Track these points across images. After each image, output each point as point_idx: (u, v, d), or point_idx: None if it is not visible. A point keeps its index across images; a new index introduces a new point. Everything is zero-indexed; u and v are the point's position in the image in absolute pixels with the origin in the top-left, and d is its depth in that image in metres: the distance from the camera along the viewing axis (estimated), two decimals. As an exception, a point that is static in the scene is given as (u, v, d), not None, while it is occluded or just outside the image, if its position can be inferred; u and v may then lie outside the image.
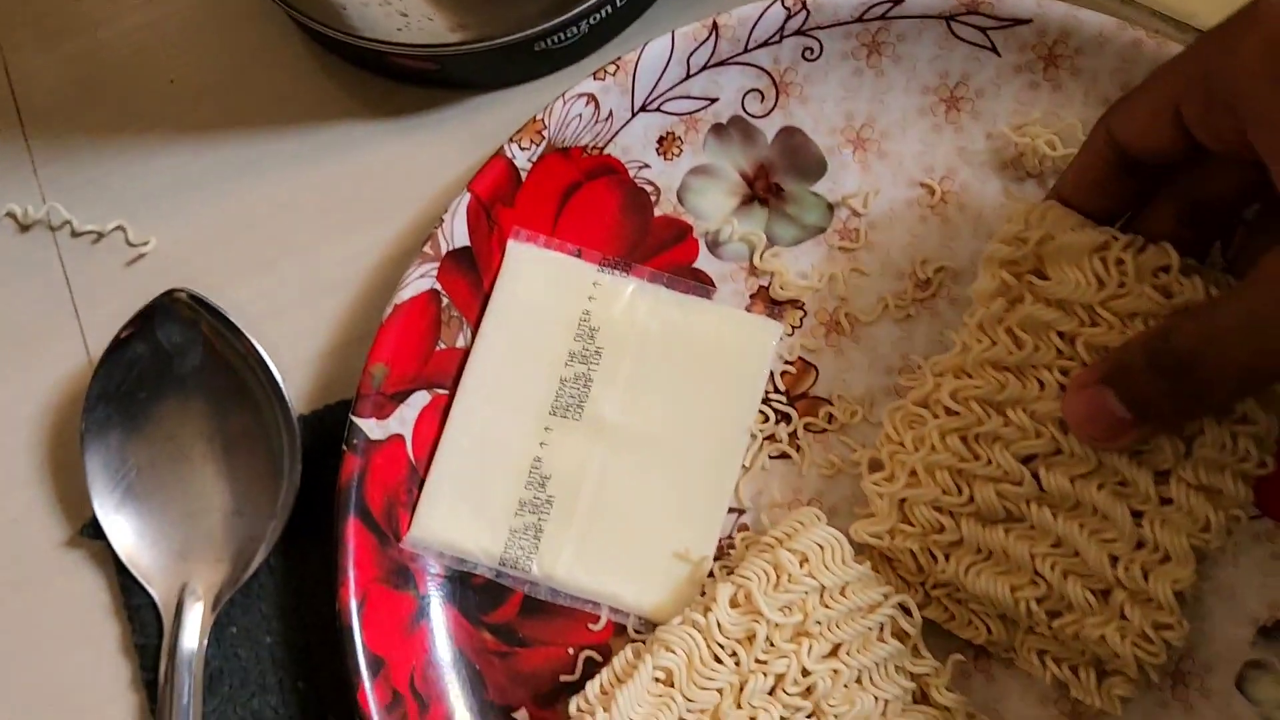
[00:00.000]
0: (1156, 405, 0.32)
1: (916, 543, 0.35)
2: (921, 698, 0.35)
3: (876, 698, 0.34)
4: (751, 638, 0.35)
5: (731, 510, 0.38)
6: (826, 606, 0.35)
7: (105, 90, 0.45)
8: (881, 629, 0.35)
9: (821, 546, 0.35)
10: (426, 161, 0.43)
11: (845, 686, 0.34)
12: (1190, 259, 0.34)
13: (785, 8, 0.39)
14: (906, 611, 0.36)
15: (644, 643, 0.37)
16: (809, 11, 0.39)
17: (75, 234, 0.44)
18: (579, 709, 0.35)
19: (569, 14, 0.40)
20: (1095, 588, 0.34)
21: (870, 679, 0.35)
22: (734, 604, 0.35)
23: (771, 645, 0.34)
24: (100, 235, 0.44)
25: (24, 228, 0.44)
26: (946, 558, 0.35)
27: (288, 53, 0.45)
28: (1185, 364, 0.31)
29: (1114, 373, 0.32)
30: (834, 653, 0.35)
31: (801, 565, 0.35)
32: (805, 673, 0.34)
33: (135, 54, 0.45)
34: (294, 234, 0.43)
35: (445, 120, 0.44)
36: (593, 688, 0.35)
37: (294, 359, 0.42)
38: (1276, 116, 0.29)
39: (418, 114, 0.44)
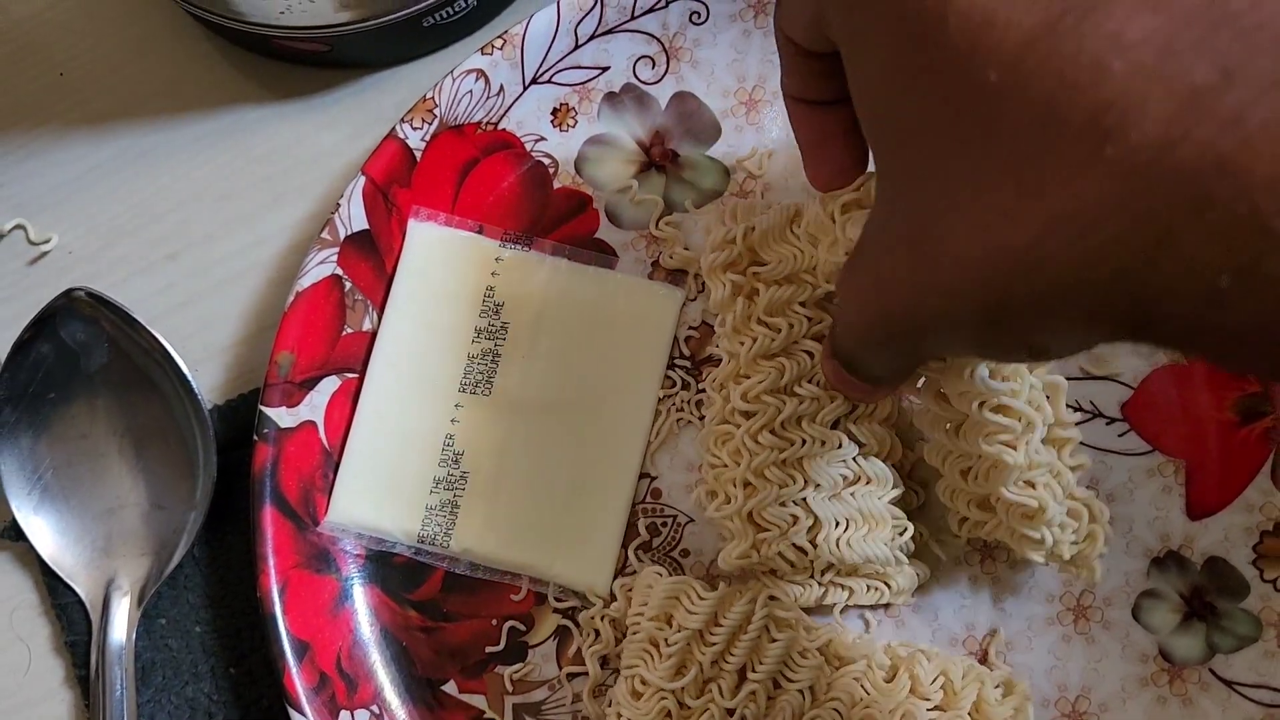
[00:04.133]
0: (871, 374, 0.32)
1: (781, 543, 0.36)
2: (840, 662, 0.36)
3: (801, 691, 0.35)
4: (668, 715, 0.35)
5: (643, 476, 0.39)
6: (709, 644, 0.35)
7: (-6, 86, 0.44)
8: (767, 630, 0.36)
9: (675, 597, 0.36)
10: (323, 143, 0.43)
11: (769, 698, 0.35)
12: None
13: (669, -27, 0.39)
14: (778, 600, 0.36)
15: (566, 614, 0.38)
16: (693, -24, 0.39)
17: (-26, 235, 0.43)
18: None
19: (454, -11, 0.40)
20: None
21: (785, 678, 0.35)
22: (635, 694, 0.35)
23: (685, 707, 0.35)
24: (0, 235, 0.43)
25: (-78, 232, 0.43)
26: (815, 545, 0.36)
27: (178, 39, 0.44)
28: (838, 346, 0.32)
29: (831, 350, 0.33)
30: (742, 678, 0.36)
31: (669, 624, 0.36)
32: (730, 712, 0.35)
33: (22, 48, 0.44)
34: (196, 223, 0.43)
35: (340, 100, 0.44)
36: None
37: (204, 350, 0.42)
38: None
39: (311, 95, 0.44)
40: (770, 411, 0.36)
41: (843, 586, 0.37)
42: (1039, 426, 0.34)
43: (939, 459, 0.36)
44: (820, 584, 0.37)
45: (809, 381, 0.36)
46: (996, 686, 0.36)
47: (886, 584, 0.37)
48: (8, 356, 0.39)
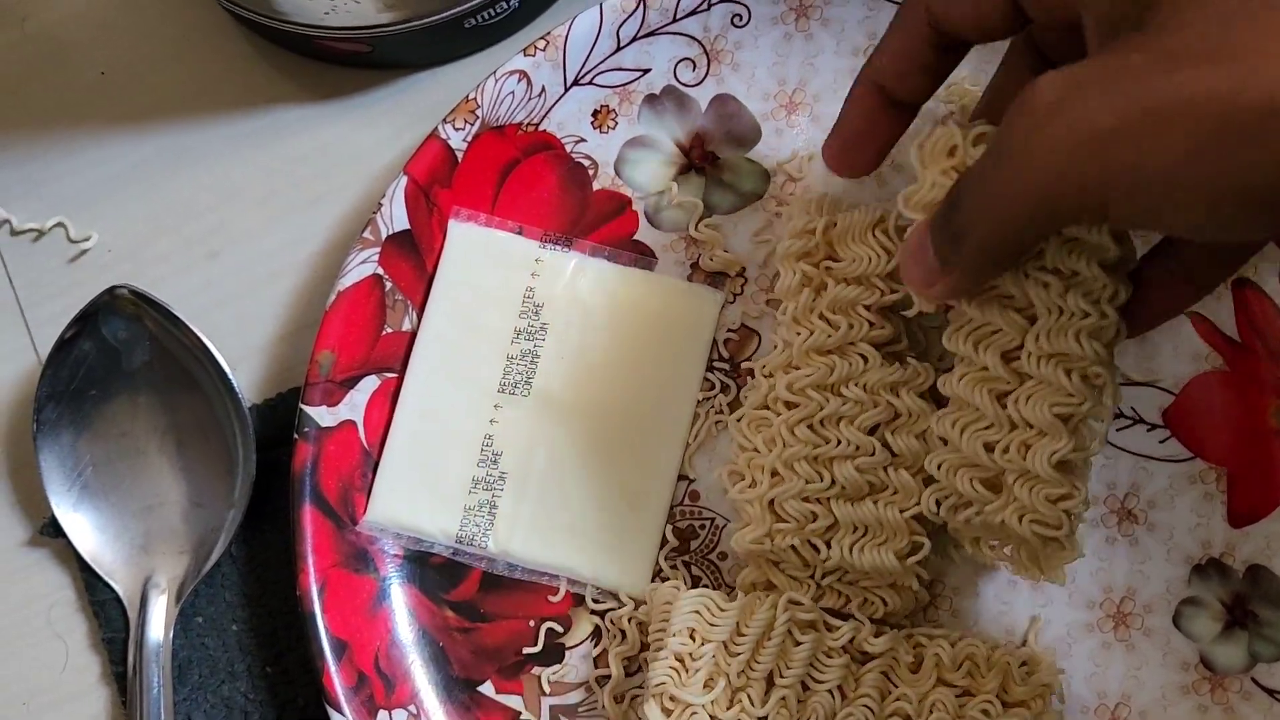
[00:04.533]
0: (946, 254, 0.31)
1: (796, 537, 0.36)
2: (862, 657, 0.36)
3: (830, 691, 0.35)
4: None
5: (681, 477, 0.39)
6: (734, 654, 0.35)
7: (35, 84, 0.44)
8: (790, 634, 0.36)
9: (697, 611, 0.36)
10: (364, 143, 0.43)
11: (799, 701, 0.35)
12: None
13: (711, -25, 0.39)
14: (799, 603, 0.36)
15: (604, 616, 0.38)
16: (736, -22, 0.39)
17: (15, 232, 0.44)
18: None
19: (497, -10, 0.40)
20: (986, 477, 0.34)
21: (813, 680, 0.35)
22: (666, 712, 0.35)
23: None
24: (40, 233, 0.43)
25: (-38, 229, 0.44)
26: (828, 545, 0.36)
27: (218, 39, 0.44)
28: (952, 213, 0.31)
29: (932, 219, 0.32)
30: (770, 684, 0.35)
31: (693, 638, 0.36)
32: None
33: (64, 47, 0.45)
34: (236, 221, 0.43)
35: (380, 100, 0.44)
36: None
37: (243, 348, 0.42)
38: None
39: (352, 95, 0.44)
40: (812, 406, 0.36)
41: (840, 593, 0.37)
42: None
43: (955, 427, 0.34)
44: (819, 586, 0.37)
45: (855, 384, 0.36)
46: (1022, 664, 0.36)
47: (883, 599, 0.37)
48: (50, 354, 0.39)
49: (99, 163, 0.44)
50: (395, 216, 0.39)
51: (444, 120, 0.39)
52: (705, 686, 0.35)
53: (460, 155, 0.40)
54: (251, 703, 0.39)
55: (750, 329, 0.40)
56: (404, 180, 0.39)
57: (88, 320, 0.39)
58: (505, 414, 0.39)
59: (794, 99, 0.41)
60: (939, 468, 0.35)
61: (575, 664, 0.38)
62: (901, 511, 0.36)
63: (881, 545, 0.36)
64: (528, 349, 0.40)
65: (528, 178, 0.41)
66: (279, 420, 0.40)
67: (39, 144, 0.44)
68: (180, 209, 0.43)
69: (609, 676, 0.38)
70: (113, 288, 0.39)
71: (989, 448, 0.33)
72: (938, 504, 0.35)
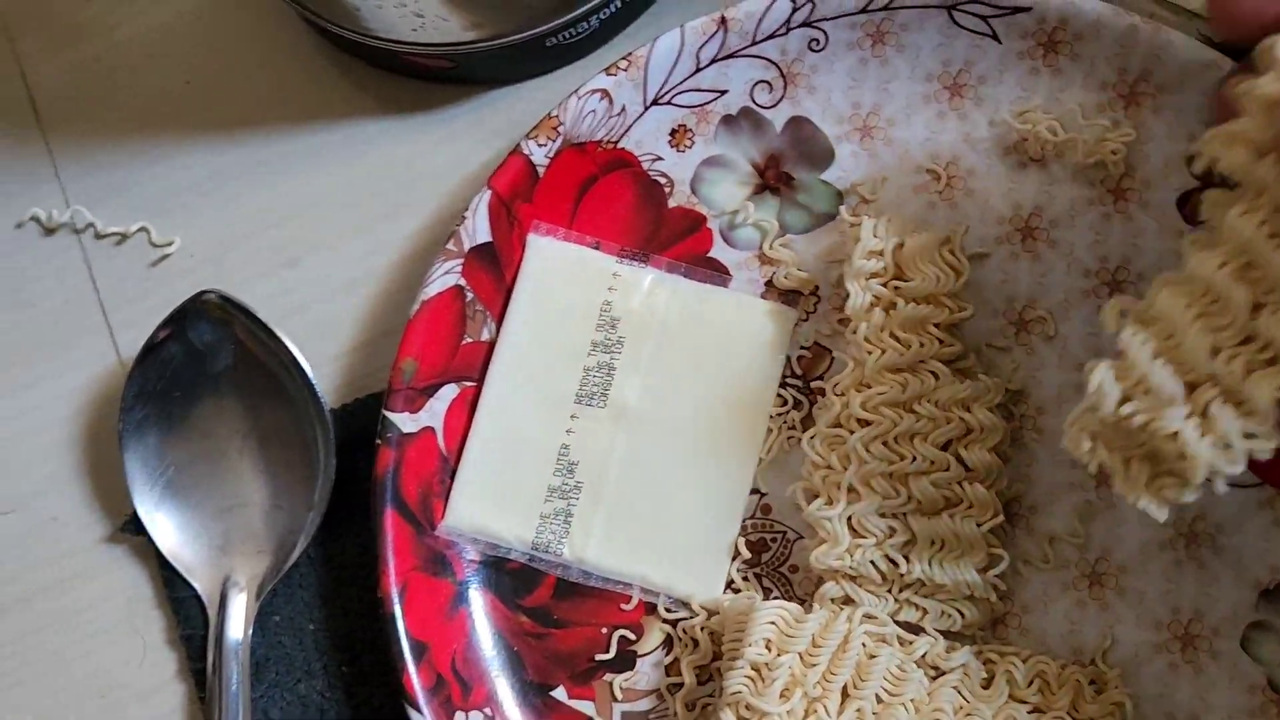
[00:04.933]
0: None
1: (875, 553, 0.37)
2: (936, 672, 0.37)
3: (904, 705, 0.36)
4: None
5: (753, 491, 0.40)
6: (811, 665, 0.36)
7: (123, 93, 0.46)
8: (864, 648, 0.36)
9: (774, 622, 0.36)
10: (441, 158, 0.44)
11: (874, 715, 0.36)
12: None
13: (791, 1, 0.40)
14: (874, 618, 0.37)
15: (676, 625, 0.39)
16: (814, 4, 0.40)
17: (99, 236, 0.45)
18: None
19: (580, 9, 0.41)
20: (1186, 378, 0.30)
21: (887, 693, 0.36)
22: None
23: None
24: (124, 237, 0.45)
25: (49, 231, 0.45)
26: (907, 559, 0.37)
27: (301, 52, 0.45)
28: None
29: None
30: (845, 697, 0.36)
31: (769, 649, 0.36)
32: None
33: (151, 56, 0.46)
34: (314, 231, 0.44)
35: (458, 116, 0.45)
36: None
37: (319, 355, 0.43)
38: None
39: (431, 110, 0.45)
40: (886, 424, 0.37)
41: (917, 606, 0.38)
42: None
43: (1188, 310, 0.30)
44: (896, 600, 0.38)
45: (928, 401, 0.37)
46: (1091, 683, 0.36)
47: (961, 612, 0.38)
48: (139, 356, 0.40)
49: (182, 170, 0.45)
50: (478, 229, 0.40)
51: (527, 136, 0.40)
52: (781, 697, 0.35)
53: (541, 171, 0.40)
54: (327, 701, 0.40)
55: (823, 347, 0.41)
56: (487, 194, 0.40)
57: (176, 323, 0.40)
58: (581, 424, 0.40)
59: (868, 123, 0.42)
60: (1140, 341, 0.30)
61: (646, 671, 0.39)
62: (978, 525, 0.36)
63: (959, 559, 0.36)
64: (604, 361, 0.40)
65: (605, 194, 0.42)
66: (354, 426, 0.41)
67: (125, 150, 0.45)
68: (261, 217, 0.44)
69: (680, 684, 0.39)
70: (201, 292, 0.40)
71: (1214, 352, 0.29)
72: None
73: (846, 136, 0.42)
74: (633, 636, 0.39)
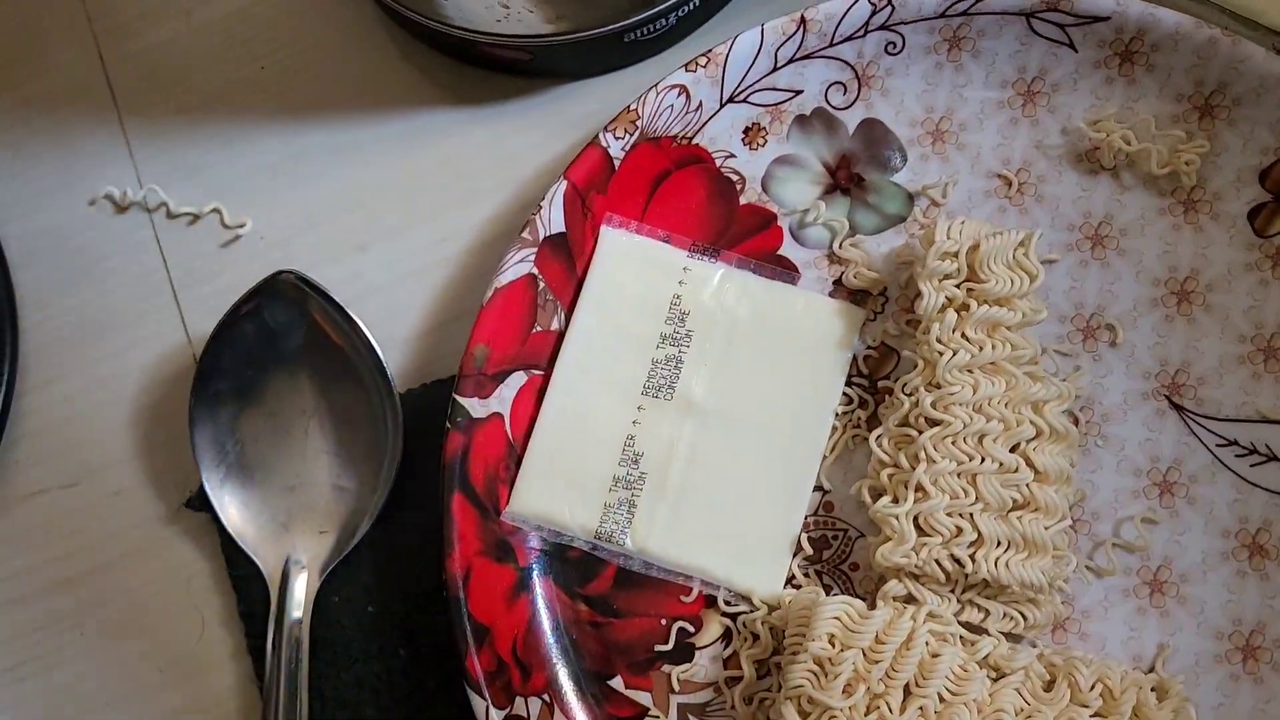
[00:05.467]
0: None
1: (941, 552, 0.37)
2: (998, 674, 0.37)
3: (966, 705, 0.36)
4: None
5: (816, 488, 0.40)
6: (875, 662, 0.36)
7: (198, 75, 0.46)
8: (927, 646, 0.36)
9: (838, 618, 0.37)
10: (513, 148, 0.45)
11: (936, 714, 0.36)
12: None
13: (871, 3, 0.40)
14: (938, 616, 0.37)
15: (735, 619, 0.39)
16: (894, 7, 0.40)
17: (171, 216, 0.45)
18: None
19: (662, 5, 0.41)
20: None
21: (949, 692, 0.36)
22: (803, 714, 0.36)
23: None
24: (196, 217, 0.45)
25: (121, 209, 0.45)
26: (973, 559, 0.37)
27: (376, 40, 0.46)
28: None
29: None
30: (907, 695, 0.36)
31: (832, 644, 0.36)
32: None
33: (227, 40, 0.46)
34: (384, 217, 0.45)
35: (530, 108, 0.45)
36: None
37: (386, 340, 0.43)
38: None
39: (504, 101, 0.45)
40: (957, 424, 0.37)
41: (980, 608, 0.38)
42: None
43: None
44: (959, 601, 0.38)
45: (999, 403, 0.37)
46: (1153, 689, 0.36)
47: (1023, 614, 0.38)
48: (213, 333, 0.41)
49: (255, 153, 0.45)
50: (553, 219, 0.40)
51: (605, 128, 0.40)
52: (844, 692, 0.36)
53: (617, 163, 0.41)
54: (383, 683, 0.40)
55: (890, 347, 0.41)
56: (563, 184, 0.40)
57: (250, 302, 0.41)
58: (648, 415, 0.40)
59: (940, 127, 0.42)
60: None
61: (704, 664, 0.39)
62: (1046, 528, 0.36)
63: (1026, 560, 0.36)
64: (672, 354, 0.41)
65: (678, 189, 0.42)
66: (420, 411, 0.42)
67: (199, 132, 0.46)
68: (332, 202, 0.45)
69: (739, 678, 0.39)
70: (278, 272, 0.41)
71: None
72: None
73: (918, 140, 0.42)
74: (692, 629, 0.39)
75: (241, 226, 0.45)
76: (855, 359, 0.41)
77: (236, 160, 0.45)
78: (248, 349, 0.41)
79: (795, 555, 0.40)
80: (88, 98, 0.46)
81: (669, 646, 0.39)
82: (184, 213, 0.45)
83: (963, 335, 0.38)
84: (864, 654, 0.36)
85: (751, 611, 0.39)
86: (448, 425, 0.39)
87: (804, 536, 0.40)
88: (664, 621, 0.39)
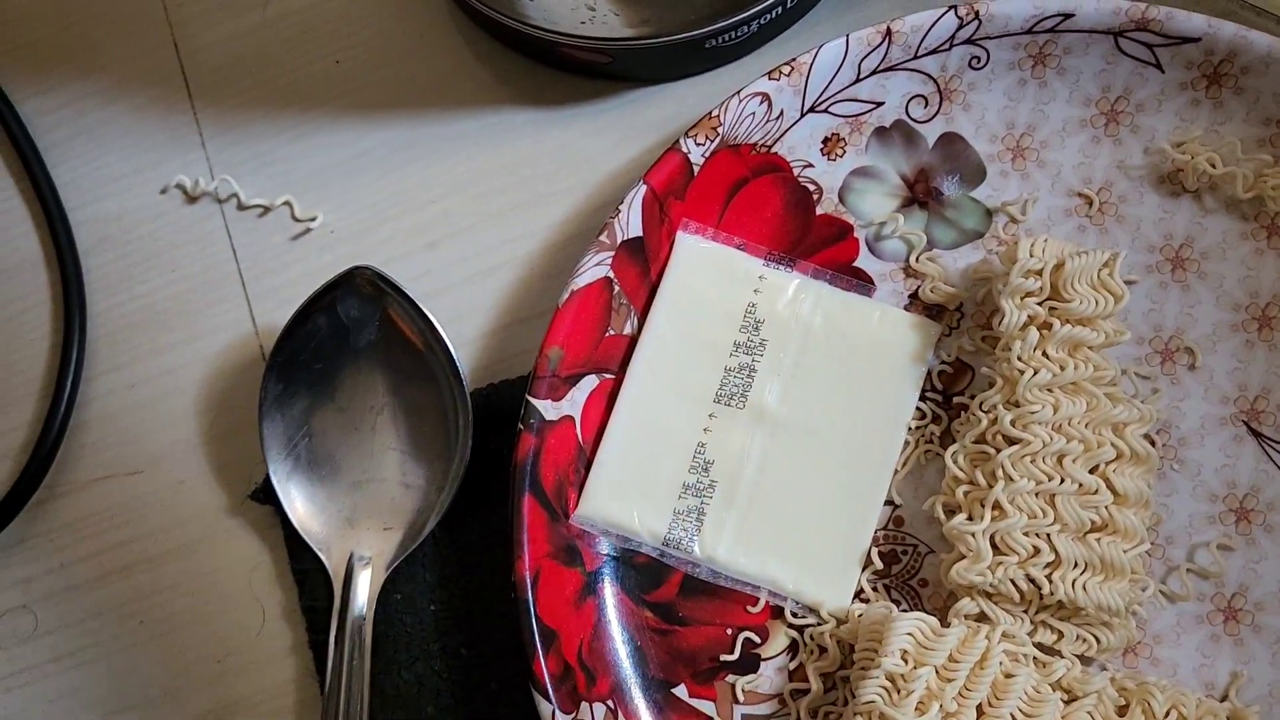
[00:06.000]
0: None
1: (1017, 572, 0.37)
2: (1070, 696, 0.37)
3: None
4: None
5: (886, 503, 0.40)
6: (948, 680, 0.36)
7: (273, 68, 0.46)
8: (1001, 667, 0.36)
9: (911, 634, 0.36)
10: (587, 151, 0.44)
11: None
12: None
13: (958, 17, 0.40)
14: (1013, 636, 0.37)
15: (801, 631, 0.39)
16: (980, 21, 0.40)
17: (242, 207, 0.45)
18: None
19: (746, 12, 0.41)
20: None
21: (1022, 713, 0.36)
22: None
23: None
24: (267, 209, 0.45)
25: (192, 199, 0.45)
26: (1049, 580, 0.37)
27: (452, 38, 0.46)
28: None
29: None
30: (980, 715, 0.36)
31: (905, 660, 0.36)
32: None
33: (302, 33, 0.46)
34: (455, 216, 0.45)
35: (604, 111, 0.45)
36: None
37: (455, 339, 0.43)
38: None
39: (579, 104, 0.45)
40: (1037, 444, 0.37)
41: (1053, 629, 0.38)
42: None
43: None
44: (1032, 621, 0.38)
45: (1080, 423, 0.37)
46: (1227, 718, 0.36)
47: (1097, 638, 0.38)
48: (287, 325, 0.41)
49: (328, 148, 0.45)
50: (630, 222, 0.40)
51: (685, 134, 0.40)
52: (917, 710, 0.35)
53: (697, 169, 0.41)
54: (444, 682, 0.40)
55: (965, 363, 0.41)
56: (643, 189, 0.40)
57: (326, 295, 0.40)
58: (719, 423, 0.40)
59: (1021, 143, 0.42)
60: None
61: (769, 675, 0.39)
62: (1125, 551, 0.36)
63: (1104, 583, 0.36)
64: (745, 362, 0.40)
65: (755, 197, 0.42)
66: (488, 411, 0.41)
67: (272, 125, 0.46)
68: (403, 198, 0.45)
69: (804, 691, 0.38)
70: (355, 267, 0.40)
71: None
72: None
73: (998, 156, 0.42)
74: (757, 639, 0.39)
75: (312, 220, 0.45)
76: (929, 374, 0.41)
77: (309, 154, 0.45)
78: (320, 342, 0.41)
79: (865, 568, 0.39)
80: (162, 86, 0.46)
81: (734, 656, 0.39)
82: (255, 204, 0.45)
83: (1044, 354, 0.38)
84: (937, 672, 0.36)
85: (819, 624, 0.39)
86: (519, 426, 0.39)
87: (874, 550, 0.39)
88: (729, 631, 0.39)
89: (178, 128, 0.46)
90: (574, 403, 0.40)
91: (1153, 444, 0.39)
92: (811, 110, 0.41)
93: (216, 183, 0.45)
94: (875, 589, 0.39)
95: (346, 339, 0.41)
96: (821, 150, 0.42)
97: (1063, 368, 0.38)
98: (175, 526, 0.43)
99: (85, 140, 0.46)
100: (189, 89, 0.46)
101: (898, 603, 0.39)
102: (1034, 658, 0.36)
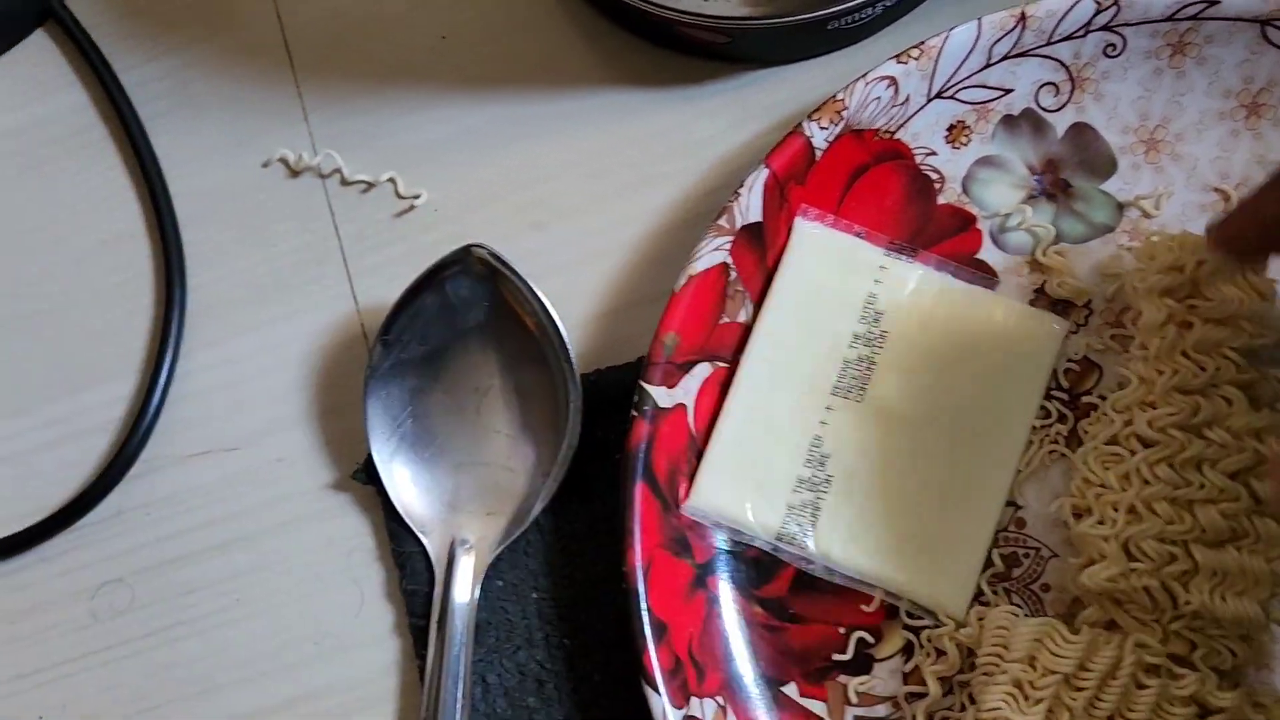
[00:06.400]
0: None
1: (1152, 579, 0.36)
2: (1203, 710, 0.35)
3: None
4: None
5: (1009, 503, 0.39)
6: (1078, 689, 0.35)
7: (378, 43, 0.45)
8: (1133, 677, 0.35)
9: (1039, 639, 0.35)
10: (700, 133, 0.43)
11: None
12: None
13: (1096, 2, 0.39)
14: (1147, 646, 0.36)
15: (916, 633, 0.38)
16: (1119, 7, 0.39)
17: (345, 182, 0.44)
18: None
19: (873, -6, 0.40)
20: None
21: None
22: None
23: None
24: (370, 185, 0.44)
25: (294, 173, 0.45)
26: (1185, 589, 0.35)
27: (561, 15, 0.45)
28: None
29: None
30: None
31: (1033, 666, 0.35)
32: None
33: (409, 8, 0.45)
34: (563, 196, 0.44)
35: (718, 93, 0.44)
36: None
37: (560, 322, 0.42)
38: None
39: (692, 85, 0.44)
40: (1174, 446, 0.36)
41: (1186, 640, 0.36)
42: None
43: None
44: (1164, 630, 0.36)
45: (1219, 427, 0.36)
46: None
47: (1232, 650, 0.36)
48: (397, 303, 0.40)
49: (434, 124, 0.45)
50: (750, 207, 0.39)
51: (809, 117, 0.39)
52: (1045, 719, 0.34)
53: (819, 154, 0.39)
54: (547, 672, 0.39)
55: (1093, 362, 0.39)
56: (764, 172, 0.39)
57: (437, 274, 0.40)
58: (836, 416, 0.39)
59: (1155, 135, 0.40)
60: None
61: (883, 677, 0.38)
62: (1267, 561, 0.35)
63: (1242, 594, 0.35)
64: (865, 354, 0.39)
65: (876, 184, 0.40)
66: (596, 396, 0.40)
67: (378, 100, 0.45)
68: (509, 177, 0.44)
69: (921, 694, 0.37)
70: (469, 245, 0.40)
71: None
72: None
73: (1130, 148, 0.40)
74: (871, 639, 0.38)
75: (416, 198, 0.44)
76: (1055, 372, 0.39)
77: (413, 130, 0.45)
78: (428, 322, 0.40)
79: (985, 570, 0.38)
80: (265, 59, 0.45)
81: (847, 656, 0.38)
82: (358, 180, 0.44)
83: (1182, 354, 0.37)
84: (1067, 680, 0.34)
85: (935, 625, 0.38)
86: (633, 413, 0.38)
87: (994, 552, 0.38)
88: (842, 630, 0.38)
89: (281, 101, 0.45)
90: (687, 390, 0.39)
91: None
92: (938, 96, 0.40)
93: (320, 157, 0.44)
94: (995, 592, 0.38)
95: (454, 319, 0.40)
96: (945, 138, 0.40)
97: (1203, 368, 0.36)
98: (273, 504, 0.42)
99: (188, 112, 0.45)
100: (292, 62, 0.45)
101: (1019, 607, 0.38)
102: (1170, 670, 0.35)
